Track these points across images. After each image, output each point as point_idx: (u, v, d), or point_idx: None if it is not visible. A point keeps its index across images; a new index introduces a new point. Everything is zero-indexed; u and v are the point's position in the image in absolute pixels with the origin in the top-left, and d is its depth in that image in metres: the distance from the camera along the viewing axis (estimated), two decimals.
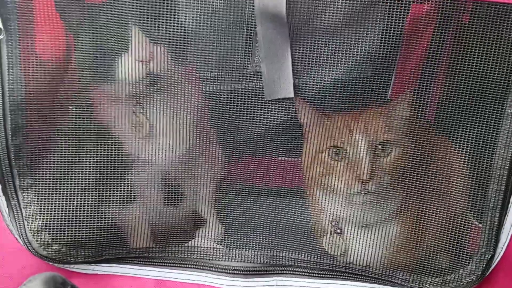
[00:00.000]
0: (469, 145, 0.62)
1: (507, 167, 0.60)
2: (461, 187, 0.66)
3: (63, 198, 0.65)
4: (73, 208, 0.65)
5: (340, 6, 0.58)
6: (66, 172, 0.65)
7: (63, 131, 0.64)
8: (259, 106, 0.64)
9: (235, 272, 0.70)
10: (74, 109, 0.64)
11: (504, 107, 0.59)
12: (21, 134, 0.61)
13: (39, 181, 0.64)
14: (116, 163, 0.66)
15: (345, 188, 0.63)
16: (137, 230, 0.71)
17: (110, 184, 0.66)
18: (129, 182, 0.68)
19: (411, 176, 0.64)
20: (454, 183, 0.66)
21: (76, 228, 0.66)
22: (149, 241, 0.72)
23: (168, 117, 0.67)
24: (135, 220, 0.70)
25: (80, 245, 0.67)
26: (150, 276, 0.70)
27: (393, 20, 0.58)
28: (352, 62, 0.61)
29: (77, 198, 0.65)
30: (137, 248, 0.71)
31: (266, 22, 0.59)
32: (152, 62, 0.63)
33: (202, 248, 0.72)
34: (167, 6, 0.59)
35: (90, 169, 0.65)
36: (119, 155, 0.67)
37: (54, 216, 0.65)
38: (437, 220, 0.66)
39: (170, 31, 0.60)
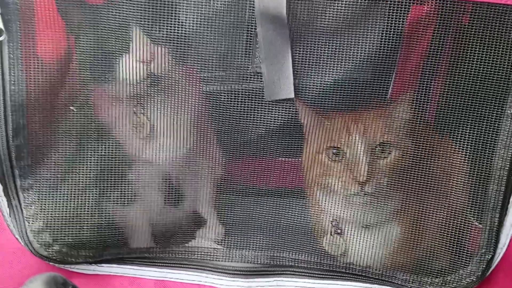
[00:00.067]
0: (469, 146, 0.62)
1: (507, 168, 0.60)
2: (461, 188, 0.66)
3: (64, 199, 0.65)
4: (74, 209, 0.65)
5: (340, 7, 0.58)
6: (67, 173, 0.65)
7: (64, 132, 0.64)
8: (260, 106, 0.64)
9: (235, 272, 0.70)
10: (75, 109, 0.65)
11: (504, 108, 0.59)
12: (22, 135, 0.61)
13: (40, 182, 0.64)
14: (116, 163, 0.67)
15: (343, 189, 0.63)
16: (137, 230, 0.71)
17: (111, 184, 0.66)
18: (130, 182, 0.68)
19: (411, 177, 0.64)
20: (454, 184, 0.66)
21: (76, 229, 0.66)
22: (150, 241, 0.72)
23: (168, 117, 0.67)
24: (135, 220, 0.70)
25: (81, 245, 0.67)
26: (150, 276, 0.70)
27: (393, 21, 0.58)
28: (352, 63, 0.62)
29: (78, 199, 0.65)
30: (138, 248, 0.71)
31: (267, 23, 0.59)
32: (153, 62, 0.63)
33: (203, 248, 0.72)
34: (168, 7, 0.59)
35: (90, 169, 0.65)
36: (119, 155, 0.67)
37: (55, 216, 0.65)
38: (437, 220, 0.66)
39: (171, 32, 0.60)
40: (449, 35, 0.61)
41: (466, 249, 0.65)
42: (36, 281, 0.56)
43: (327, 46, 0.61)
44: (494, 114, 0.60)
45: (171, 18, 0.59)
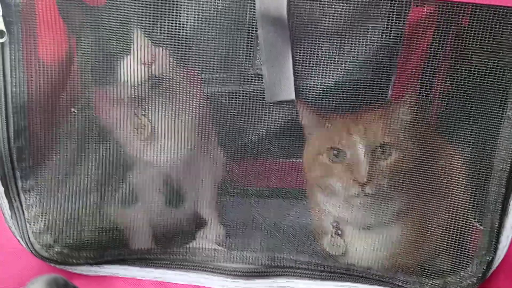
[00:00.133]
0: (469, 148, 0.62)
1: (507, 170, 0.60)
2: (462, 189, 0.66)
3: (65, 200, 0.65)
4: (75, 210, 0.65)
5: (340, 9, 0.58)
6: (68, 174, 0.65)
7: (65, 133, 0.64)
8: (260, 108, 0.64)
9: (236, 273, 0.70)
10: (76, 111, 0.65)
11: (504, 110, 0.59)
12: (23, 136, 0.61)
13: (41, 183, 0.64)
14: (117, 165, 0.67)
15: (344, 190, 0.63)
16: (138, 232, 0.71)
17: (112, 186, 0.67)
18: (131, 184, 0.69)
19: (412, 179, 0.64)
20: (455, 185, 0.66)
21: (77, 230, 0.66)
22: (150, 242, 0.72)
23: (169, 119, 0.67)
24: (136, 221, 0.70)
25: (82, 246, 0.67)
26: (151, 277, 0.70)
27: (393, 23, 0.58)
28: (353, 64, 0.62)
29: (79, 200, 0.65)
30: (138, 250, 0.71)
31: (267, 25, 0.59)
32: (154, 64, 0.63)
33: (203, 249, 0.72)
34: (169, 8, 0.59)
35: (92, 171, 0.65)
36: (120, 157, 0.67)
37: (56, 218, 0.65)
38: (437, 221, 0.66)
39: (172, 33, 0.60)
40: (449, 37, 0.61)
41: (466, 250, 0.65)
42: (37, 282, 0.56)
43: (327, 47, 0.61)
44: (494, 116, 0.60)
45: (172, 20, 0.59)
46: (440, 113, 0.67)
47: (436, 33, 0.61)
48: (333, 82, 0.62)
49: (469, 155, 0.63)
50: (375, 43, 0.61)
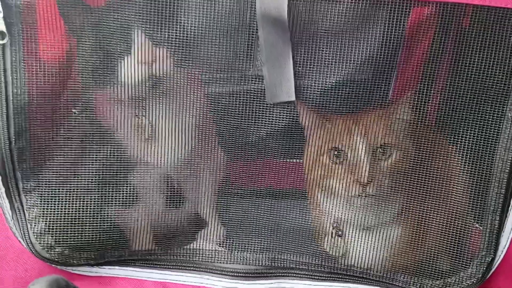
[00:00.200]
0: (469, 148, 0.62)
1: (507, 170, 0.60)
2: (462, 190, 0.66)
3: (66, 201, 0.65)
4: (76, 211, 0.65)
5: (341, 10, 0.58)
6: (69, 175, 0.65)
7: (66, 134, 0.64)
8: (261, 109, 0.64)
9: (236, 274, 0.71)
10: (76, 112, 0.65)
11: (504, 111, 0.59)
12: (24, 137, 0.62)
13: (42, 184, 0.64)
14: (118, 165, 0.67)
15: (345, 191, 0.63)
16: (139, 233, 0.71)
17: (113, 186, 0.67)
18: (131, 184, 0.69)
19: (412, 179, 0.64)
20: (455, 186, 0.66)
21: (78, 231, 0.66)
22: (151, 243, 0.72)
23: (170, 119, 0.67)
24: (137, 222, 0.70)
25: (83, 247, 0.67)
26: (151, 278, 0.70)
27: (394, 23, 0.58)
28: (353, 65, 0.62)
29: (80, 201, 0.65)
30: (139, 250, 0.71)
31: (268, 26, 0.59)
32: (154, 65, 0.63)
33: (204, 250, 0.72)
34: (170, 9, 0.59)
35: (92, 172, 0.65)
36: (121, 158, 0.67)
37: (57, 218, 0.65)
38: (437, 222, 0.67)
39: (172, 34, 0.60)
40: (449, 38, 0.61)
41: (466, 251, 0.65)
42: (39, 283, 0.56)
43: (328, 48, 0.61)
44: (495, 117, 0.60)
45: (173, 20, 0.59)
46: (440, 114, 0.67)
47: (436, 34, 0.61)
48: (333, 83, 0.62)
49: (469, 156, 0.63)
50: (375, 44, 0.61)
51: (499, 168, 0.60)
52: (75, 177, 0.65)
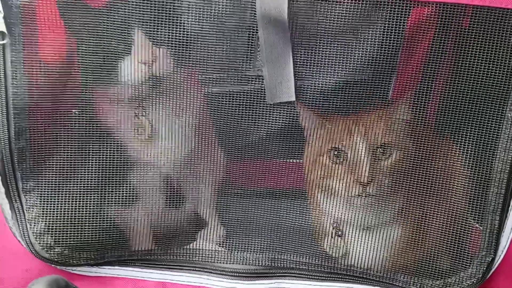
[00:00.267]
0: (469, 148, 0.62)
1: (507, 171, 0.60)
2: (462, 190, 0.66)
3: (65, 201, 0.65)
4: (75, 211, 0.65)
5: (341, 10, 0.58)
6: (68, 175, 0.65)
7: (66, 134, 0.64)
8: (261, 109, 0.64)
9: (236, 274, 0.71)
10: (76, 112, 0.65)
11: (504, 111, 0.59)
12: (24, 138, 0.62)
13: (42, 184, 0.64)
14: (118, 165, 0.67)
15: (345, 191, 0.63)
16: (139, 233, 0.71)
17: (112, 186, 0.67)
18: (131, 184, 0.69)
19: (412, 179, 0.65)
20: (455, 186, 0.66)
21: (78, 231, 0.66)
22: (151, 243, 0.72)
23: (170, 119, 0.67)
24: (137, 222, 0.70)
25: (83, 247, 0.67)
26: (151, 278, 0.70)
27: (394, 24, 0.58)
28: (353, 65, 0.62)
29: (80, 201, 0.65)
30: (139, 251, 0.71)
31: (268, 26, 0.59)
32: (154, 64, 0.63)
33: (204, 250, 0.72)
34: (170, 9, 0.59)
35: (92, 172, 0.65)
36: (121, 157, 0.67)
37: (57, 218, 0.65)
38: (438, 222, 0.67)
39: (172, 34, 0.60)
40: (449, 38, 0.61)
41: (466, 251, 0.65)
42: (39, 283, 0.56)
43: (328, 48, 0.61)
44: (495, 117, 0.60)
45: (173, 21, 0.60)
46: (440, 114, 0.68)
47: (436, 35, 0.61)
48: (333, 83, 0.62)
49: (469, 156, 0.63)
50: (375, 44, 0.61)
51: (499, 168, 0.60)
52: (75, 177, 0.65)
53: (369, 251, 0.68)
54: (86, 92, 0.66)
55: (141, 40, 0.62)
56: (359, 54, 0.61)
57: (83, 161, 0.65)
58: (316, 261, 0.70)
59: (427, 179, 0.65)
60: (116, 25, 0.60)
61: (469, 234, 0.65)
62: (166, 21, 0.60)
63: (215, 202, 0.76)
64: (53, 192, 0.65)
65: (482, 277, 0.64)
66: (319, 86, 0.63)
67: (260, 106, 0.64)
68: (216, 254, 0.72)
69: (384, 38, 0.60)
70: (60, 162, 0.64)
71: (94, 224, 0.66)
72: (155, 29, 0.61)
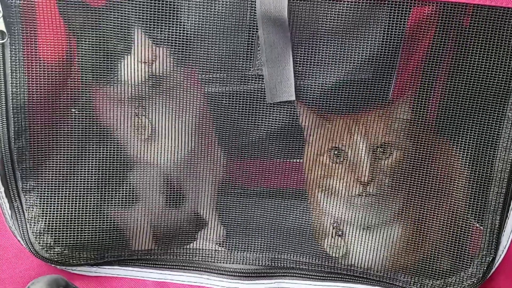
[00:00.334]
0: (469, 148, 0.62)
1: (508, 170, 0.60)
2: (462, 190, 0.66)
3: (65, 201, 0.65)
4: (75, 211, 0.65)
5: (341, 10, 0.58)
6: (68, 175, 0.65)
7: (66, 134, 0.64)
8: (261, 108, 0.64)
9: (237, 274, 0.71)
10: (76, 111, 0.65)
11: (505, 110, 0.59)
12: (24, 137, 0.62)
13: (41, 184, 0.64)
14: (118, 165, 0.67)
15: (346, 190, 0.63)
16: (139, 232, 0.71)
17: (112, 186, 0.67)
18: (131, 184, 0.69)
19: (412, 179, 0.64)
20: (455, 186, 0.66)
21: (78, 231, 0.66)
22: (151, 243, 0.72)
23: (170, 119, 0.67)
24: (137, 222, 0.70)
25: (82, 247, 0.67)
26: (151, 278, 0.70)
27: (394, 23, 0.58)
28: (354, 64, 0.62)
29: (79, 201, 0.65)
30: (139, 250, 0.71)
31: (268, 25, 0.59)
32: (154, 64, 0.63)
33: (204, 250, 0.72)
34: (170, 8, 0.59)
35: (92, 171, 0.65)
36: (121, 157, 0.67)
37: (57, 218, 0.65)
38: (438, 222, 0.67)
39: (172, 33, 0.60)
40: (449, 38, 0.61)
41: (467, 251, 0.65)
42: (39, 283, 0.56)
43: (328, 48, 0.61)
44: (495, 116, 0.60)
45: (173, 20, 0.59)
46: (440, 113, 0.68)
47: (436, 34, 0.61)
48: (333, 83, 0.62)
49: (469, 155, 0.63)
50: (376, 44, 0.61)
51: (500, 167, 0.60)
52: (74, 176, 0.65)
53: (369, 251, 0.68)
54: (86, 92, 0.66)
55: (141, 39, 0.62)
56: (359, 53, 0.61)
57: (83, 160, 0.65)
58: (317, 260, 0.70)
59: (427, 179, 0.65)
60: (116, 24, 0.60)
61: (470, 234, 0.65)
62: (166, 20, 0.60)
63: (215, 202, 0.76)
64: (53, 192, 0.65)
65: (483, 277, 0.64)
66: (319, 86, 0.63)
67: (260, 106, 0.64)
68: (216, 254, 0.72)
69: (385, 37, 0.60)
70: (60, 162, 0.64)
71: (94, 224, 0.66)
72: (155, 28, 0.61)
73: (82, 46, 0.62)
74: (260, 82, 0.63)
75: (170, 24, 0.60)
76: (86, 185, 0.65)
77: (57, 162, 0.64)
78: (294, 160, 0.70)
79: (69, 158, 0.65)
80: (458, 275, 0.65)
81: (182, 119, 0.67)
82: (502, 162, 0.60)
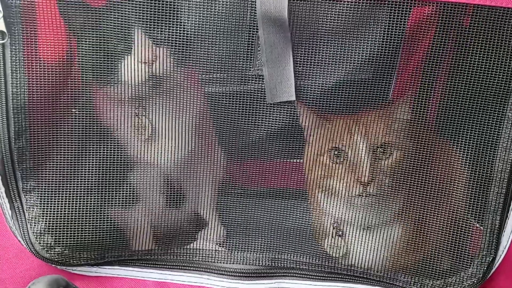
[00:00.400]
0: (470, 148, 0.62)
1: (508, 170, 0.60)
2: (462, 190, 0.66)
3: (65, 201, 0.65)
4: (75, 211, 0.65)
5: (341, 10, 0.58)
6: (68, 175, 0.65)
7: (66, 134, 0.64)
8: (261, 109, 0.64)
9: (237, 274, 0.71)
10: (76, 111, 0.65)
11: (505, 110, 0.59)
12: (24, 137, 0.62)
13: (42, 184, 0.64)
14: (118, 165, 0.67)
15: (346, 191, 0.63)
16: (139, 232, 0.71)
17: (112, 186, 0.67)
18: (131, 184, 0.69)
19: (412, 179, 0.64)
20: (455, 186, 0.66)
21: (78, 231, 0.66)
22: (151, 243, 0.72)
23: (170, 119, 0.67)
24: (137, 222, 0.70)
25: (83, 247, 0.67)
26: (151, 278, 0.70)
27: (394, 23, 0.58)
28: (354, 64, 0.62)
29: (80, 201, 0.65)
30: (139, 250, 0.71)
31: (268, 26, 0.59)
32: (155, 64, 0.63)
33: (204, 250, 0.72)
34: (170, 8, 0.59)
35: (92, 171, 0.65)
36: (121, 157, 0.67)
37: (57, 218, 0.65)
38: (438, 222, 0.67)
39: (173, 33, 0.60)
40: (450, 38, 0.61)
41: (467, 251, 0.65)
42: (39, 283, 0.56)
43: (328, 48, 0.61)
44: (495, 116, 0.60)
45: (173, 20, 0.59)
46: (440, 113, 0.68)
47: (437, 34, 0.61)
48: (334, 83, 0.62)
49: (469, 155, 0.63)
50: (376, 44, 0.61)
51: (500, 167, 0.60)
52: (75, 176, 0.65)
53: (369, 251, 0.68)
54: (86, 92, 0.66)
55: (142, 40, 0.62)
56: (359, 53, 0.61)
57: (83, 160, 0.65)
58: (317, 261, 0.70)
59: (427, 179, 0.65)
60: (116, 25, 0.60)
61: (470, 234, 0.65)
62: (166, 21, 0.60)
63: (216, 202, 0.76)
64: (53, 192, 0.65)
65: (483, 277, 0.64)
66: (319, 86, 0.63)
67: (260, 106, 0.64)
68: (217, 254, 0.72)
69: (385, 37, 0.60)
70: (60, 162, 0.64)
71: (95, 224, 0.66)
72: (156, 29, 0.61)
73: (83, 46, 0.62)
74: (260, 82, 0.63)
75: (170, 24, 0.60)
76: (86, 185, 0.65)
77: (57, 162, 0.64)
78: (294, 160, 0.70)
79: (69, 158, 0.65)
80: (458, 275, 0.65)
81: (182, 119, 0.67)
82: (502, 162, 0.60)
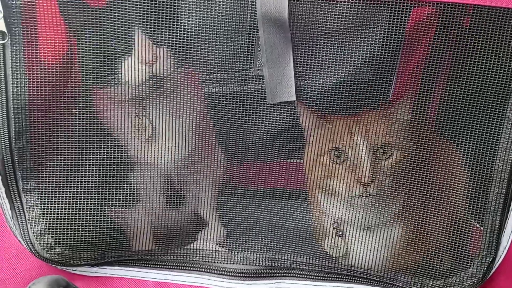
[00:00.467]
0: (470, 148, 0.62)
1: (508, 171, 0.60)
2: (462, 190, 0.66)
3: (66, 201, 0.65)
4: (76, 211, 0.65)
5: (341, 10, 0.58)
6: (69, 175, 0.65)
7: (66, 134, 0.64)
8: (261, 109, 0.64)
9: (237, 274, 0.71)
10: (77, 112, 0.65)
11: (505, 111, 0.59)
12: (24, 138, 0.62)
13: (42, 184, 0.64)
14: (118, 166, 0.67)
15: (346, 191, 0.63)
16: (139, 233, 0.71)
17: (113, 186, 0.67)
18: (132, 184, 0.69)
19: (413, 179, 0.65)
20: (455, 186, 0.66)
21: (79, 231, 0.66)
22: (151, 243, 0.72)
23: (170, 119, 0.67)
24: (137, 222, 0.70)
25: (83, 247, 0.67)
26: (151, 278, 0.70)
27: (395, 24, 0.58)
28: (354, 65, 0.62)
29: (80, 201, 0.65)
30: (139, 251, 0.71)
31: (268, 26, 0.59)
32: (155, 64, 0.63)
33: (204, 250, 0.72)
34: (170, 9, 0.59)
35: (92, 172, 0.65)
36: (121, 158, 0.67)
37: (57, 218, 0.65)
38: (438, 222, 0.67)
39: (173, 34, 0.60)
40: (450, 38, 0.61)
41: (467, 251, 0.65)
42: (39, 283, 0.56)
43: (328, 48, 0.61)
44: (495, 117, 0.60)
45: (174, 21, 0.59)
46: (440, 114, 0.68)
47: (436, 34, 0.61)
48: (334, 83, 0.62)
49: (469, 156, 0.63)
50: (376, 44, 0.61)
51: (500, 168, 0.60)
52: (75, 177, 0.65)
53: (369, 251, 0.68)
54: (86, 92, 0.66)
55: (142, 40, 0.62)
56: (359, 54, 0.61)
57: (83, 161, 0.65)
58: (317, 261, 0.70)
59: (427, 179, 0.65)
60: (116, 25, 0.60)
61: (470, 234, 0.65)
62: (167, 21, 0.60)
63: (216, 202, 0.76)
64: (53, 192, 0.65)
65: (483, 277, 0.64)
66: (319, 86, 0.63)
67: (261, 106, 0.64)
68: (217, 254, 0.72)
69: (385, 38, 0.60)
70: (61, 162, 0.64)
71: (95, 224, 0.66)
72: (156, 29, 0.61)
73: (83, 46, 0.63)
74: (261, 82, 0.63)
75: (170, 24, 0.60)
76: (86, 185, 0.65)
77: (57, 162, 0.64)
78: (295, 161, 0.70)
79: (69, 158, 0.65)
80: (458, 276, 0.65)
81: (182, 119, 0.67)
82: (502, 163, 0.60)
